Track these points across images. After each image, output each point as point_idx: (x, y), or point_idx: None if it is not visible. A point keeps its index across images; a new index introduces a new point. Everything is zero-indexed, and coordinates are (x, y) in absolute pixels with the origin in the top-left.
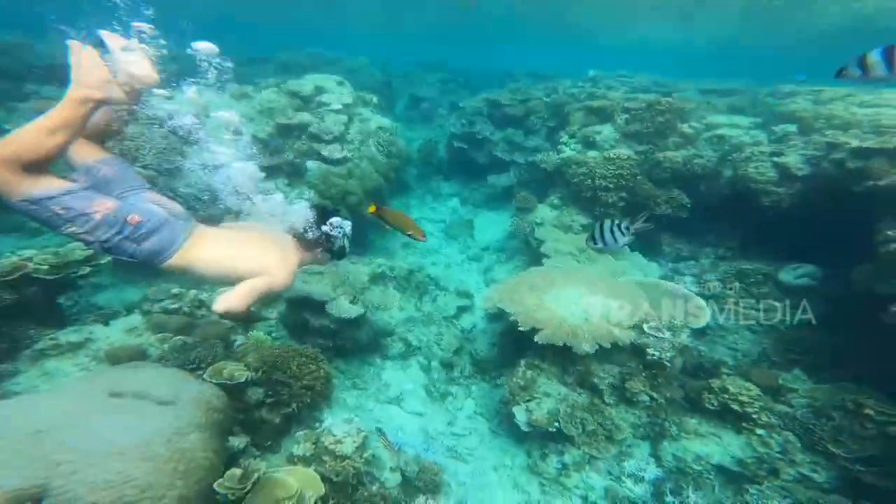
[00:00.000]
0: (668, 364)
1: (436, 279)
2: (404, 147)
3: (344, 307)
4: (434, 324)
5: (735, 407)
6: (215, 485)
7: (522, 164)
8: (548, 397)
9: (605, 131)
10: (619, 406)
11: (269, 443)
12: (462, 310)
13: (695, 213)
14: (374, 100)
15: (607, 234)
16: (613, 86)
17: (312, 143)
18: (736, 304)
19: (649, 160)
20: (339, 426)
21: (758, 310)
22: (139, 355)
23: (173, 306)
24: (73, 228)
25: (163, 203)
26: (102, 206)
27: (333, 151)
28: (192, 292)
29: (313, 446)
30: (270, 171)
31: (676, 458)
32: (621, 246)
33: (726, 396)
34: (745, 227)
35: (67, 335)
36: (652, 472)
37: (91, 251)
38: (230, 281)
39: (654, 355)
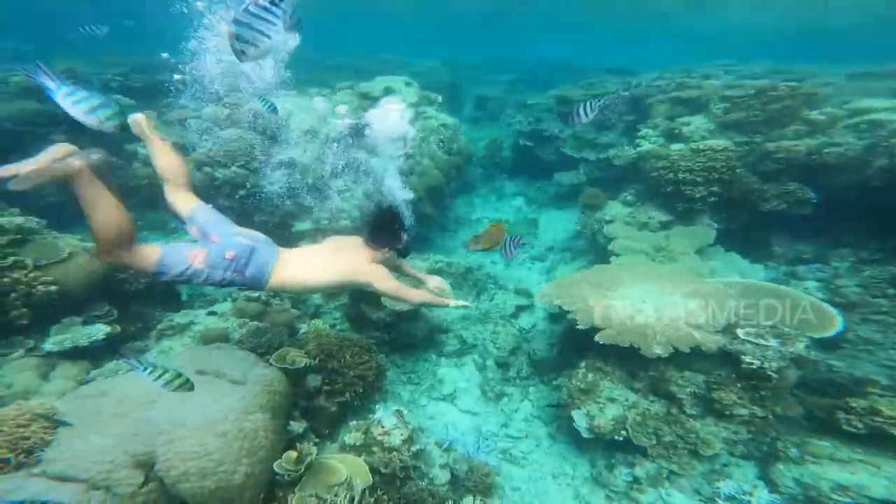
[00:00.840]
0: (773, 375)
1: (495, 277)
2: (466, 145)
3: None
4: (491, 322)
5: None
6: (275, 465)
7: (593, 162)
8: (613, 403)
9: (696, 122)
10: (706, 418)
11: (328, 430)
12: (521, 309)
13: (821, 211)
14: (440, 99)
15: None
16: (713, 74)
17: None
18: (890, 313)
19: (755, 152)
20: (388, 418)
21: None
22: (223, 338)
23: (254, 295)
24: (198, 281)
25: (244, 234)
26: (195, 257)
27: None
28: None
29: (363, 436)
30: (338, 169)
31: (802, 485)
32: (589, 121)
33: (880, 419)
34: None
35: (179, 318)
36: (763, 497)
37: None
38: (321, 289)
39: (752, 364)
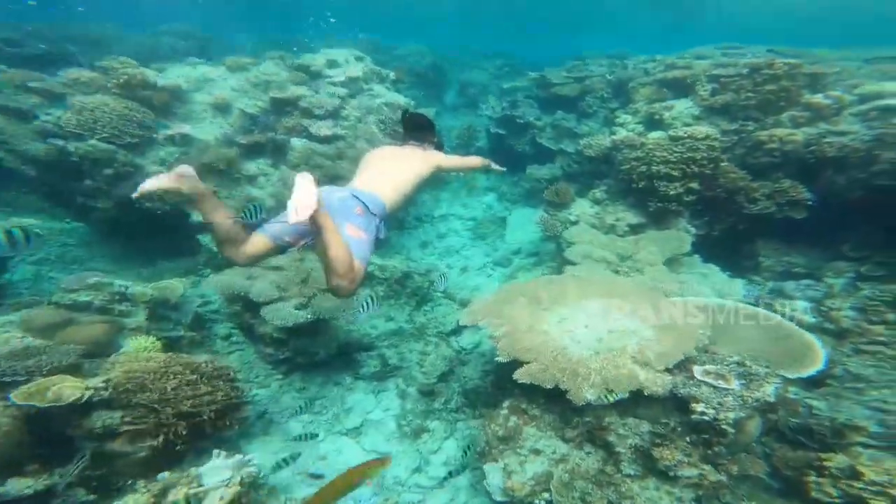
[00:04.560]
0: (728, 429)
1: (435, 269)
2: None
3: (283, 312)
4: (423, 340)
5: None
6: None
7: (571, 154)
8: (537, 455)
9: (680, 106)
10: (646, 479)
11: (122, 483)
12: (466, 325)
13: (819, 215)
14: (392, 76)
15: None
16: (707, 55)
17: (303, 119)
18: (888, 344)
19: (745, 141)
20: (218, 470)
21: None
22: None
23: (84, 299)
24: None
25: (326, 191)
26: (355, 232)
27: (322, 128)
28: (117, 283)
29: (152, 500)
30: (253, 149)
31: None
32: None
33: (859, 486)
34: None
35: None
36: None
37: None
38: (410, 194)
39: (704, 415)
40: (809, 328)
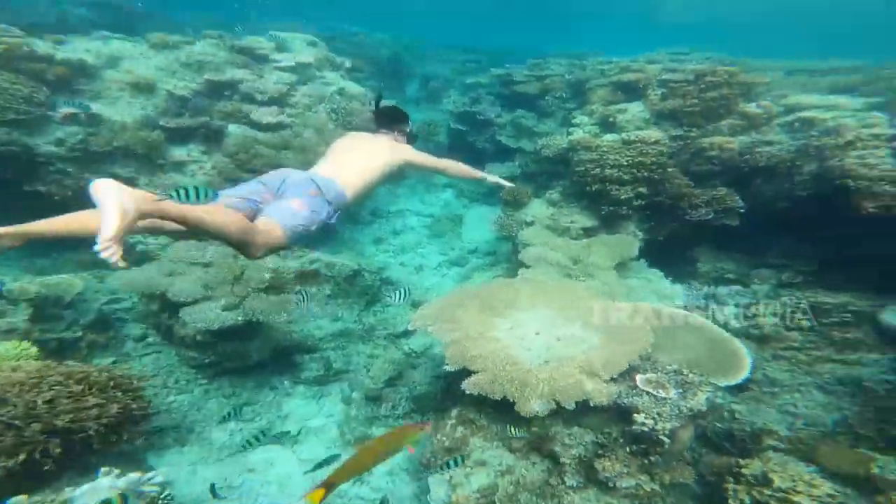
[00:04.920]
0: (665, 440)
1: (396, 284)
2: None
3: (207, 314)
4: (372, 342)
5: None
6: None
7: (529, 153)
8: (482, 467)
9: (633, 110)
10: (587, 490)
11: None
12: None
13: (751, 222)
14: (347, 64)
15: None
16: (658, 60)
17: (244, 104)
18: (801, 349)
19: (689, 147)
20: (97, 492)
21: (840, 361)
22: None
23: None
24: (314, 230)
25: (280, 174)
26: (298, 205)
27: (264, 115)
28: None
29: None
30: (184, 134)
31: None
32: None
33: (768, 493)
34: (830, 243)
35: None
36: None
37: None
38: (376, 183)
39: (643, 426)
40: (737, 333)
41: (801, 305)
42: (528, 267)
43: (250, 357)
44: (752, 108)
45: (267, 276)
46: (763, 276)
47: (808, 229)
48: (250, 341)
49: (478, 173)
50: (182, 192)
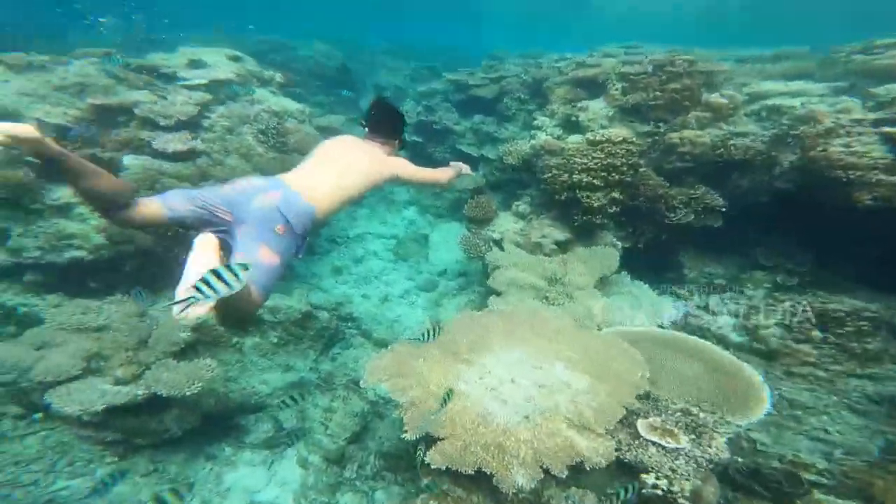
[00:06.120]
0: (685, 503)
1: (359, 320)
2: (317, 137)
3: (83, 394)
4: (331, 391)
5: None
6: None
7: (494, 161)
8: None
9: (594, 107)
10: None
11: None
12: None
13: (733, 221)
14: (278, 77)
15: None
16: (614, 54)
17: (143, 130)
18: (818, 365)
19: (658, 145)
20: None
21: (867, 377)
22: None
23: None
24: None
25: (244, 190)
26: (266, 257)
27: (170, 142)
28: None
29: None
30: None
31: None
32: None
33: None
34: (821, 238)
35: None
36: None
37: None
38: (353, 198)
39: (655, 487)
40: (739, 349)
41: (808, 314)
42: (498, 294)
43: (168, 430)
44: (716, 98)
45: (184, 335)
46: (756, 279)
47: (793, 225)
48: (164, 412)
49: (456, 168)
50: (212, 279)
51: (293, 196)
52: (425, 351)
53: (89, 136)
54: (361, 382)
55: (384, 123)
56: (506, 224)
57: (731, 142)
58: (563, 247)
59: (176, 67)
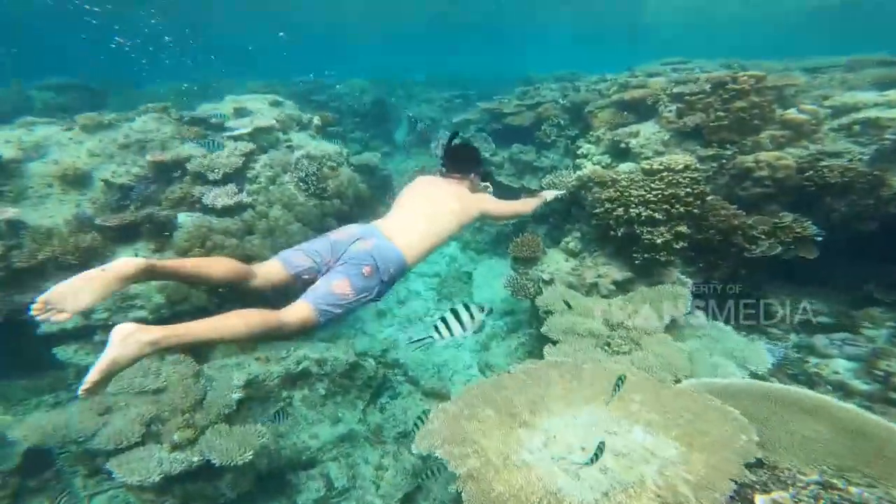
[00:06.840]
0: None
1: (405, 367)
2: (352, 181)
3: (140, 463)
4: (380, 446)
5: None
6: None
7: (535, 191)
8: None
9: (646, 131)
10: None
11: None
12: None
13: (828, 249)
14: (316, 121)
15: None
16: (659, 72)
17: (194, 186)
18: None
19: (725, 170)
20: None
21: None
22: None
23: None
24: (354, 308)
25: (345, 235)
26: (341, 288)
27: (218, 197)
28: None
29: None
30: (129, 231)
31: None
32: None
33: None
34: None
35: None
36: None
37: None
38: (443, 241)
39: None
40: (867, 399)
41: None
42: (554, 343)
43: (223, 495)
44: (794, 114)
45: (236, 396)
46: (874, 317)
47: None
48: (219, 478)
49: (542, 198)
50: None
51: (385, 244)
52: (478, 412)
53: (149, 193)
54: (413, 447)
55: (460, 161)
56: (556, 263)
57: (823, 163)
58: (622, 287)
59: (223, 118)
